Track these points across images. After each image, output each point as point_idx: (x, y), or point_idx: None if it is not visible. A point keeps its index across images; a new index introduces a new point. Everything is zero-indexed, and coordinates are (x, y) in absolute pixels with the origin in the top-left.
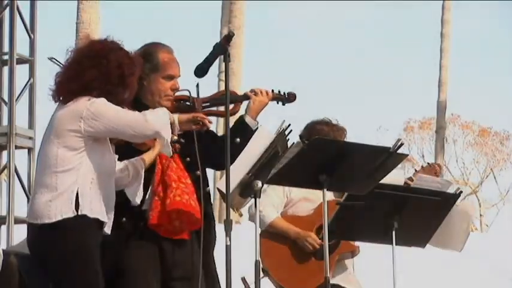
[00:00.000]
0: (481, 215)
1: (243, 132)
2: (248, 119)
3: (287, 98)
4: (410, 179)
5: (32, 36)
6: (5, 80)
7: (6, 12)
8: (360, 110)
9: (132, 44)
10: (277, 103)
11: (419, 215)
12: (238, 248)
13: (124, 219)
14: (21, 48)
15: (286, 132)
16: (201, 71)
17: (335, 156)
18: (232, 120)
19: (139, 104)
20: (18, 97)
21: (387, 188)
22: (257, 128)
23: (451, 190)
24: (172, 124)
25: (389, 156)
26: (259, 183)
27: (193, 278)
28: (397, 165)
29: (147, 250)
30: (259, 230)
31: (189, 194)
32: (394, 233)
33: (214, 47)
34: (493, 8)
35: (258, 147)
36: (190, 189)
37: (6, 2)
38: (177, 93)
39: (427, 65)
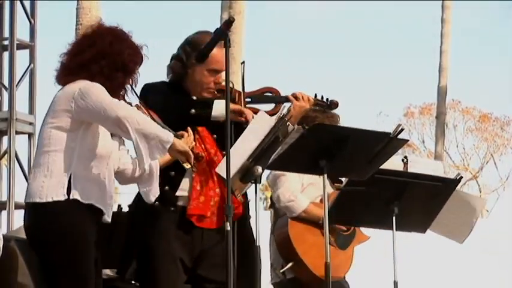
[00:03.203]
0: None
1: None
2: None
3: (329, 105)
4: None
5: (33, 22)
6: (5, 65)
7: None
8: (361, 95)
9: (132, 28)
10: (318, 109)
11: (420, 200)
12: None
13: (156, 203)
14: (22, 33)
15: (287, 118)
16: (200, 56)
17: (335, 142)
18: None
19: (179, 89)
20: (18, 82)
21: (388, 174)
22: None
23: (443, 169)
24: (164, 144)
25: (390, 142)
26: (260, 169)
27: (224, 267)
28: (398, 151)
29: (176, 235)
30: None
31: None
32: (394, 218)
33: (214, 32)
34: None
35: (258, 132)
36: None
37: None
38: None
39: (428, 50)
